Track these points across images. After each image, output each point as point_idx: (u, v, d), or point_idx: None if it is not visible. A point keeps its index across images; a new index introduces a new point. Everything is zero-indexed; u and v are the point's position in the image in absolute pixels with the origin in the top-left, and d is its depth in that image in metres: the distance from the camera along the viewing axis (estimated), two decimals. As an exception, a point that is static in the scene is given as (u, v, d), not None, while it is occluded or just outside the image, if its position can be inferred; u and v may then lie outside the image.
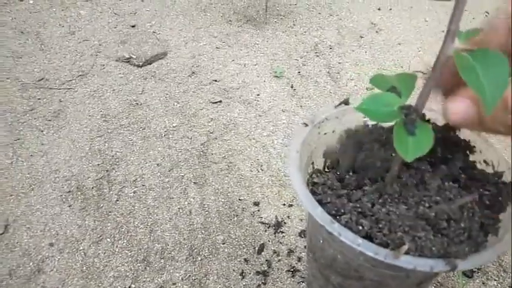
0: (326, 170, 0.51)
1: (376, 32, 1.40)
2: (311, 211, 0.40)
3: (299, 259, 0.76)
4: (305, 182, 0.46)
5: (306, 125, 0.50)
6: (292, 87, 1.16)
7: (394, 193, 0.44)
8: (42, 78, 1.11)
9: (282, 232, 0.81)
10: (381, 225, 0.42)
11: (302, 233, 0.80)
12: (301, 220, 0.83)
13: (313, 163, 0.52)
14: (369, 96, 0.42)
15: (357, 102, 0.55)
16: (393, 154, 0.47)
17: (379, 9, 1.52)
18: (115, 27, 1.30)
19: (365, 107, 0.41)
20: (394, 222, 0.43)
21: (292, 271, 0.74)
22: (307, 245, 0.61)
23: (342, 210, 0.43)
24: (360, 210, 0.43)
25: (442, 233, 0.39)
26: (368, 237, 0.41)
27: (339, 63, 1.25)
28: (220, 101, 1.09)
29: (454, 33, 0.34)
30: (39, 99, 1.06)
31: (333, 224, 0.39)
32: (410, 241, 0.40)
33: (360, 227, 0.42)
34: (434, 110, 0.51)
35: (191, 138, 0.99)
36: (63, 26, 1.30)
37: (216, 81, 1.15)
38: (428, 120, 0.49)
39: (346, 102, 0.52)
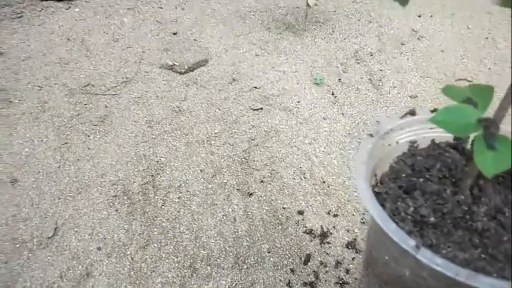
0: (387, 179, 0.50)
1: (418, 39, 1.37)
2: (385, 227, 0.39)
3: (347, 271, 0.74)
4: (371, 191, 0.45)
5: (372, 135, 0.49)
6: (333, 94, 1.14)
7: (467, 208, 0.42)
8: (88, 84, 1.14)
9: (328, 243, 0.79)
10: (451, 243, 0.40)
11: (349, 245, 0.78)
12: (348, 231, 0.81)
13: (376, 175, 0.51)
14: (444, 107, 0.40)
15: (422, 112, 0.53)
16: (466, 167, 0.45)
17: (419, 16, 1.49)
18: (157, 35, 1.33)
19: (441, 118, 0.39)
20: (466, 240, 0.41)
21: (340, 283, 0.72)
22: (364, 259, 0.59)
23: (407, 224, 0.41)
24: (427, 224, 0.41)
25: None
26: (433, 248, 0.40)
27: (381, 70, 1.23)
28: (261, 108, 1.09)
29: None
30: (85, 104, 1.09)
31: (408, 241, 0.38)
32: (486, 262, 0.38)
33: (428, 241, 0.41)
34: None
35: (233, 145, 0.99)
36: (107, 33, 1.33)
37: (256, 88, 1.15)
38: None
39: (412, 113, 0.51)
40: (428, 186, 0.44)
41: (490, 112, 0.40)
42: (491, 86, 0.40)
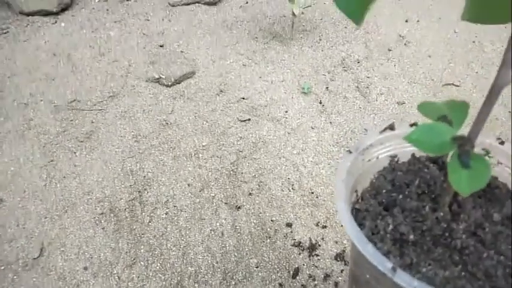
0: (368, 195, 0.49)
1: (405, 44, 1.37)
2: (362, 249, 0.38)
3: (336, 284, 0.73)
4: (351, 213, 0.44)
5: (350, 152, 0.48)
6: (320, 103, 1.14)
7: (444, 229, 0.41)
8: (74, 100, 1.14)
9: (317, 255, 0.78)
10: (430, 262, 0.40)
11: (338, 256, 0.78)
12: (336, 242, 0.81)
13: (356, 191, 0.51)
14: (419, 126, 0.40)
15: (402, 127, 0.53)
16: (444, 183, 0.45)
17: (406, 21, 1.49)
18: (144, 48, 1.33)
19: (415, 137, 0.39)
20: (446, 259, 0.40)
21: (329, 297, 0.71)
22: (349, 275, 0.58)
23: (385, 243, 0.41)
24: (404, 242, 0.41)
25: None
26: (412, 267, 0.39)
27: (368, 77, 1.23)
28: (249, 119, 1.09)
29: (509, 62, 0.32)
30: (71, 120, 1.08)
31: (385, 263, 0.37)
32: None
33: (408, 260, 0.40)
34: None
35: (221, 158, 0.99)
36: (93, 48, 1.33)
37: (243, 99, 1.15)
38: (484, 149, 0.47)
39: (391, 128, 0.50)
40: (408, 203, 0.43)
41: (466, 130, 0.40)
42: (466, 103, 0.40)
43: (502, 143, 0.48)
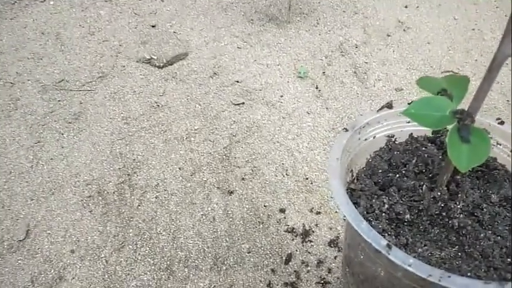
0: (363, 175, 0.47)
1: (404, 30, 1.34)
2: (356, 227, 0.36)
3: (329, 270, 0.72)
4: (345, 191, 0.42)
5: (347, 130, 0.46)
6: (317, 88, 1.12)
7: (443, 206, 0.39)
8: (62, 80, 1.10)
9: (310, 241, 0.77)
10: (426, 241, 0.38)
11: (332, 243, 0.76)
12: (330, 229, 0.79)
13: (352, 171, 0.48)
14: (417, 99, 0.38)
15: (400, 106, 0.51)
16: (443, 162, 0.43)
17: (406, 7, 1.46)
18: (135, 28, 1.28)
19: (413, 111, 0.37)
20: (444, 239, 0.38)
21: (322, 283, 0.70)
22: (343, 258, 0.57)
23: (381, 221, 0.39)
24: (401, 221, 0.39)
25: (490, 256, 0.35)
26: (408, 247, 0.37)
27: (366, 62, 1.20)
28: (243, 103, 1.06)
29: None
30: (59, 101, 1.05)
31: (380, 240, 0.35)
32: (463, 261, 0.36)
33: (404, 240, 0.38)
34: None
35: (213, 142, 0.96)
36: (83, 27, 1.29)
37: (238, 82, 1.12)
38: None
39: (389, 106, 0.48)
40: (404, 182, 0.41)
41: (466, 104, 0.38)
42: (466, 77, 0.38)
43: (501, 123, 0.46)
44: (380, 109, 0.48)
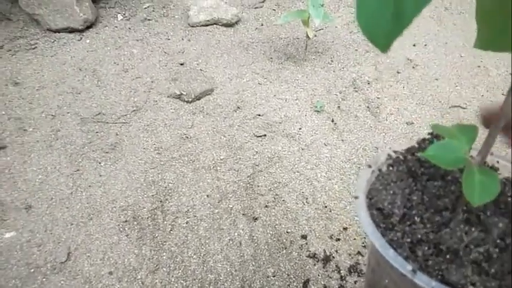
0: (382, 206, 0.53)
1: (413, 67, 1.43)
2: (384, 254, 0.43)
3: (350, 294, 0.77)
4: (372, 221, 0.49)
5: (370, 166, 0.53)
6: (332, 121, 1.20)
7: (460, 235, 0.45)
8: (100, 113, 1.20)
9: (331, 267, 0.82)
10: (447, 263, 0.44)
11: (351, 268, 0.82)
12: (350, 255, 0.84)
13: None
14: (435, 143, 0.45)
15: (412, 140, 0.58)
16: (458, 197, 0.49)
17: (414, 45, 1.56)
18: (165, 65, 1.40)
19: (432, 153, 0.44)
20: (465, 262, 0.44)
21: (343, 306, 0.75)
22: (366, 282, 0.62)
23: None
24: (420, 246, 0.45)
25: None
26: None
27: (378, 98, 1.29)
28: (265, 135, 1.14)
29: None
30: (97, 132, 1.14)
31: (406, 266, 0.41)
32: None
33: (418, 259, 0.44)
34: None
35: (238, 171, 1.04)
36: (117, 64, 1.40)
37: (259, 115, 1.21)
38: (492, 167, 0.51)
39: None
40: (423, 213, 0.48)
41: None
42: (475, 126, 0.45)
43: None
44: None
